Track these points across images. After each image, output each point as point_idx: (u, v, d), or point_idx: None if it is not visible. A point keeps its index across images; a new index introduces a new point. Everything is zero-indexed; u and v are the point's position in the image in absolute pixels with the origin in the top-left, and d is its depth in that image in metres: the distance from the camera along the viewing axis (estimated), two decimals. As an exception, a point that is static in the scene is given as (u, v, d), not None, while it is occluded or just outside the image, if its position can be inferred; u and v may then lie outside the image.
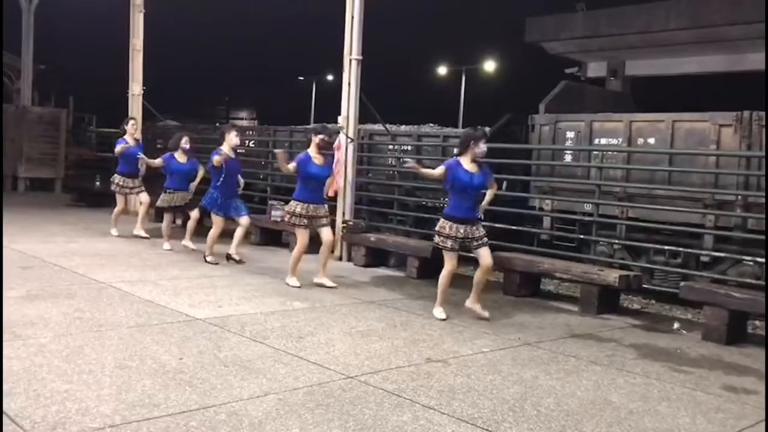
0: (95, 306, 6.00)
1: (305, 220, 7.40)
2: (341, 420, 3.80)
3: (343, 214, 9.59)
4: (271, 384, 4.30)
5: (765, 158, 7.60)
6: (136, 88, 13.28)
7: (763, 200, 7.98)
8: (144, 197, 10.44)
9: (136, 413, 3.69)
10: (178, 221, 10.67)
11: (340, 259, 9.58)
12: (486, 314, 6.51)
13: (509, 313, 6.94)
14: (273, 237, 10.67)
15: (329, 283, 7.55)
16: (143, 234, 10.22)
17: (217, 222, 8.46)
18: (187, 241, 9.38)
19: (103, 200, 14.71)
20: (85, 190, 15.40)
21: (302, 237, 7.47)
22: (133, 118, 11.19)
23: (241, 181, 8.80)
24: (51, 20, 19.09)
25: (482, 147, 6.35)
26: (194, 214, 9.39)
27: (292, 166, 7.31)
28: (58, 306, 5.90)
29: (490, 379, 4.70)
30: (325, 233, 7.49)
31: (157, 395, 3.97)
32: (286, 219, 7.60)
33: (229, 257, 8.55)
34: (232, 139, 8.47)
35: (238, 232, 8.53)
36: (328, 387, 4.33)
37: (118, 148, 10.33)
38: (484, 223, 6.69)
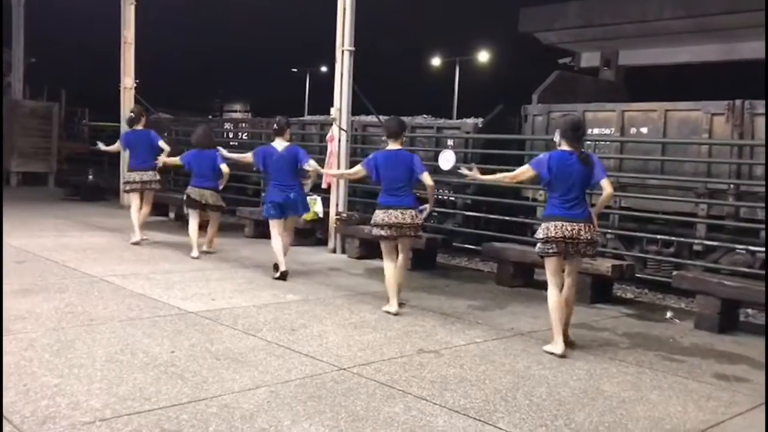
0: (87, 300, 5.98)
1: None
2: (333, 411, 3.80)
3: (337, 206, 9.57)
4: (263, 376, 4.30)
5: (765, 147, 7.58)
6: (128, 81, 13.24)
7: (755, 189, 8.00)
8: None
9: (127, 407, 3.68)
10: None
11: (334, 251, 9.57)
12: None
13: (502, 303, 6.95)
14: (266, 230, 10.61)
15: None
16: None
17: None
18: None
19: (97, 194, 14.73)
20: (79, 184, 15.34)
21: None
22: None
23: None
24: (42, 13, 18.96)
25: None
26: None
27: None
28: (50, 300, 5.88)
29: (482, 370, 4.70)
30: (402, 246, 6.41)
31: (148, 388, 3.96)
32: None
33: None
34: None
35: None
36: (320, 379, 4.32)
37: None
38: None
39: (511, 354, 5.13)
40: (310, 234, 10.11)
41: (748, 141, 8.19)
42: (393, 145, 6.34)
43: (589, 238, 5.16)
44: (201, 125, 10.50)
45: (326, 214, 9.76)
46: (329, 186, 9.71)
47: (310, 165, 7.49)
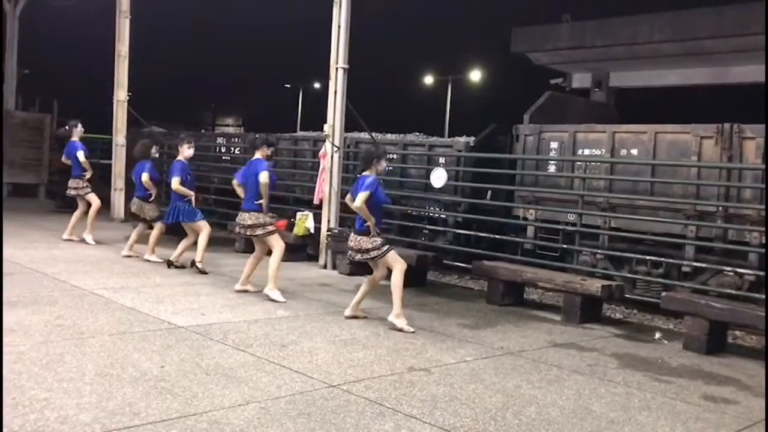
0: (77, 313, 5.96)
1: None
2: (323, 429, 3.80)
3: (328, 222, 9.59)
4: (253, 392, 4.29)
5: (765, 171, 7.66)
6: (121, 94, 13.24)
7: (743, 211, 8.09)
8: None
9: (117, 421, 3.66)
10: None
11: (325, 267, 9.57)
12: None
13: (492, 322, 6.97)
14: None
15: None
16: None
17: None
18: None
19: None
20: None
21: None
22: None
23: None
24: (36, 24, 18.97)
25: (383, 164, 6.57)
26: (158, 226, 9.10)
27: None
28: (39, 313, 5.85)
29: (472, 388, 4.71)
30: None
31: (137, 403, 3.95)
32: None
33: (193, 264, 8.45)
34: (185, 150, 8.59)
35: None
36: (310, 396, 4.32)
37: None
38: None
39: (501, 373, 5.15)
40: (301, 249, 10.12)
41: (737, 164, 8.29)
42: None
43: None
44: (141, 139, 10.45)
45: (317, 229, 9.77)
46: (321, 202, 9.75)
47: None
